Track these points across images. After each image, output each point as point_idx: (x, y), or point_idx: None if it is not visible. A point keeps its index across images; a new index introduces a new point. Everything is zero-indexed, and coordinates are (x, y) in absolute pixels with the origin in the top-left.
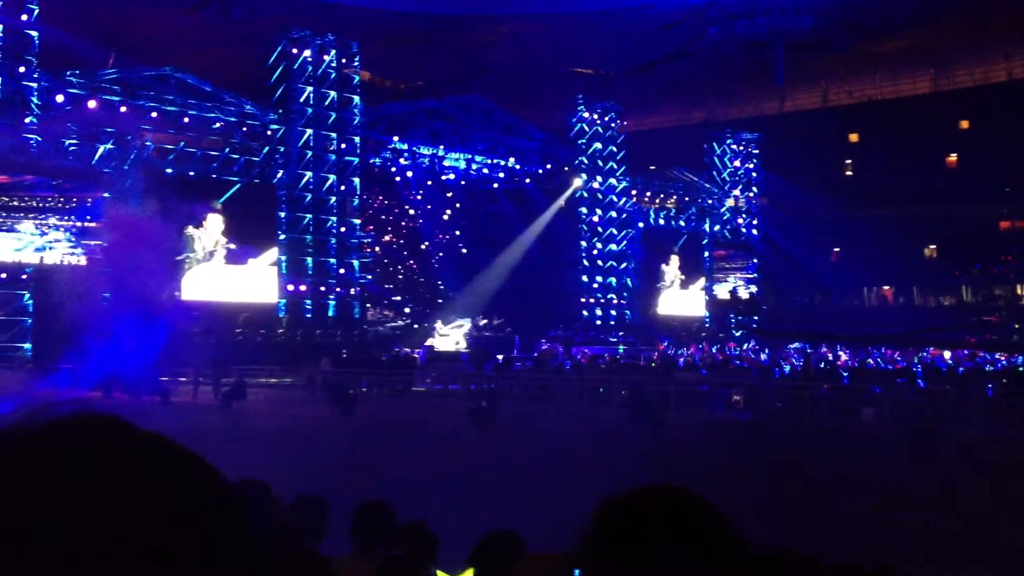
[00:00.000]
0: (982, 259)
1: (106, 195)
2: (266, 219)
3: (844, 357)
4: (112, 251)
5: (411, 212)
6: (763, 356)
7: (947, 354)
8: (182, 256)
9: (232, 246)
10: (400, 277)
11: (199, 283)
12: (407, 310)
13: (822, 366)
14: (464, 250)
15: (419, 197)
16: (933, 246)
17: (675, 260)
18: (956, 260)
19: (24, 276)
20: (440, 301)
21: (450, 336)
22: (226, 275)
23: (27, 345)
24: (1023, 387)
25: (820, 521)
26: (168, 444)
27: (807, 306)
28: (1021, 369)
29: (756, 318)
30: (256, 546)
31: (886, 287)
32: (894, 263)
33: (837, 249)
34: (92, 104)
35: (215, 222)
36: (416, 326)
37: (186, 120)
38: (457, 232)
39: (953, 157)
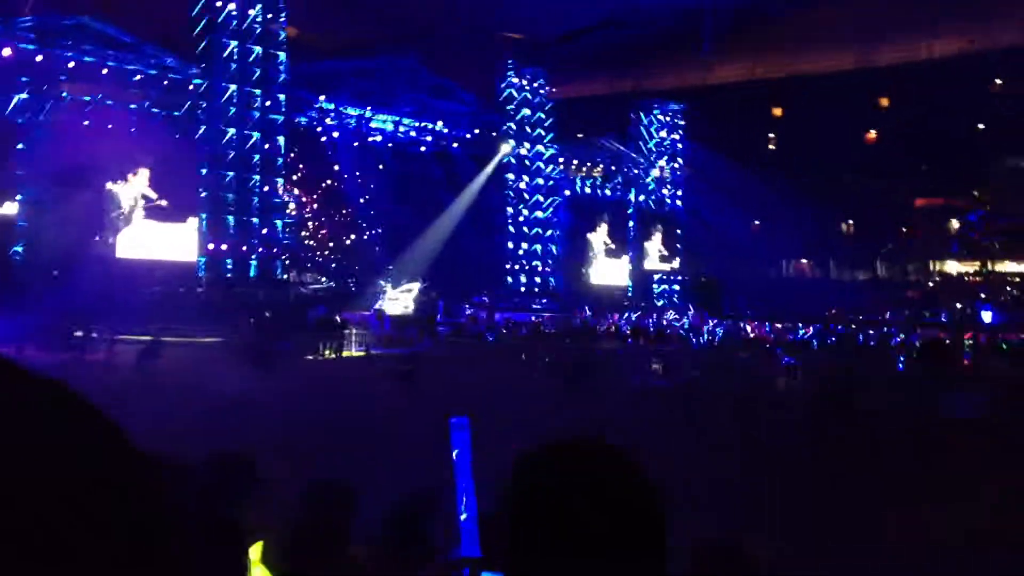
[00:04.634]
0: (897, 235)
1: (20, 147)
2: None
3: (755, 328)
4: (29, 206)
5: (336, 173)
6: (681, 325)
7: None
8: (113, 213)
9: (164, 203)
10: (322, 238)
11: (132, 240)
12: (318, 278)
13: (740, 336)
14: (389, 213)
15: (345, 158)
16: (850, 221)
17: (602, 229)
18: (872, 235)
19: None
20: (356, 266)
21: (399, 300)
22: (159, 233)
23: None
24: (934, 360)
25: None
26: (70, 393)
27: (729, 278)
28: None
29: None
30: (171, 510)
31: (803, 260)
32: (812, 236)
33: (758, 222)
34: (7, 52)
35: (141, 177)
36: (343, 288)
37: (105, 72)
38: (382, 195)
39: (872, 133)
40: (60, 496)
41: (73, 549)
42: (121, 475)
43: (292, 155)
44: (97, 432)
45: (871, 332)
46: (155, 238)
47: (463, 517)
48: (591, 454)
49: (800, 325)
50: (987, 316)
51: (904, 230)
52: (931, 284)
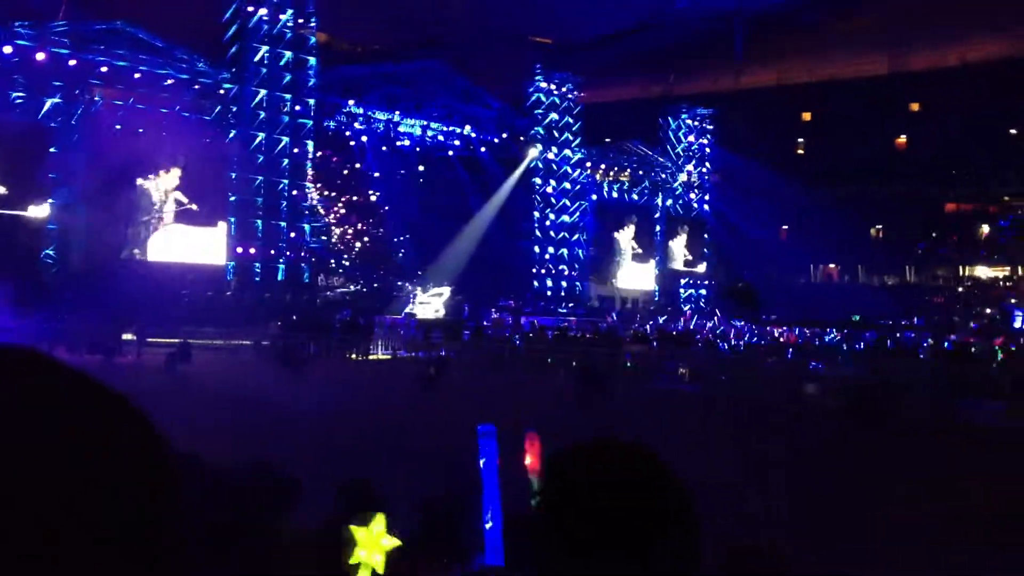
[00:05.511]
0: (927, 240)
1: (52, 150)
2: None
3: (783, 333)
4: (61, 209)
5: (364, 177)
6: (708, 330)
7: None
8: (146, 217)
9: (194, 207)
10: (350, 241)
11: (163, 244)
12: (345, 282)
13: (767, 341)
14: (417, 217)
15: (373, 163)
16: (879, 226)
17: (629, 232)
18: (902, 241)
19: None
20: (383, 270)
21: (430, 304)
22: (190, 236)
23: None
24: (963, 366)
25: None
26: (93, 381)
27: (757, 283)
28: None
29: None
30: (187, 501)
31: (832, 265)
32: (841, 242)
33: (786, 226)
34: (40, 56)
35: (171, 176)
36: (369, 292)
37: (137, 76)
38: (410, 199)
39: (902, 139)
40: (54, 494)
41: (65, 546)
42: (117, 474)
43: (320, 159)
44: (103, 430)
45: (898, 336)
46: (186, 242)
47: (488, 525)
48: (622, 455)
49: (829, 330)
50: (1020, 321)
51: (934, 235)
52: (961, 289)
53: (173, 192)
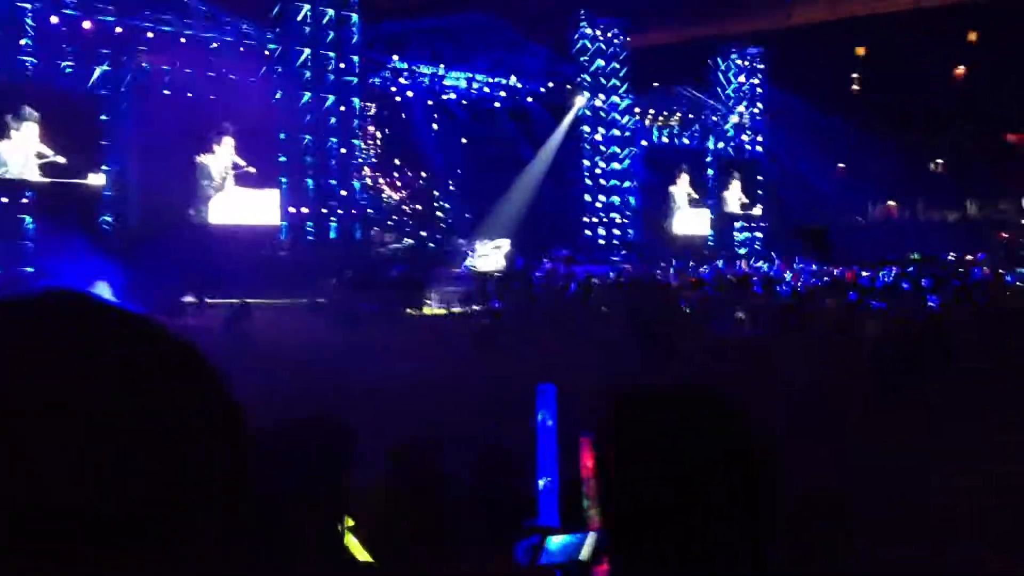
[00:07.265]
0: (989, 173)
1: (104, 118)
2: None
3: (842, 273)
4: (115, 175)
5: (412, 132)
6: (768, 270)
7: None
8: (205, 182)
9: (252, 170)
10: (400, 198)
11: (221, 207)
12: (398, 238)
13: (825, 280)
14: (460, 171)
15: (420, 117)
16: (940, 160)
17: (684, 180)
18: (963, 174)
19: (25, 200)
20: (435, 224)
21: (490, 256)
22: (247, 199)
23: (29, 269)
24: None
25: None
26: (159, 325)
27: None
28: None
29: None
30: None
31: (891, 202)
32: (899, 178)
33: (842, 165)
34: (87, 25)
35: (227, 145)
36: (422, 247)
37: (182, 40)
38: (458, 152)
39: (961, 69)
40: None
41: (121, 492)
42: (185, 418)
43: (368, 116)
44: (168, 373)
45: (961, 271)
46: (243, 204)
47: (542, 483)
48: (699, 399)
49: (889, 269)
50: None
51: (996, 167)
52: None
53: (231, 158)
